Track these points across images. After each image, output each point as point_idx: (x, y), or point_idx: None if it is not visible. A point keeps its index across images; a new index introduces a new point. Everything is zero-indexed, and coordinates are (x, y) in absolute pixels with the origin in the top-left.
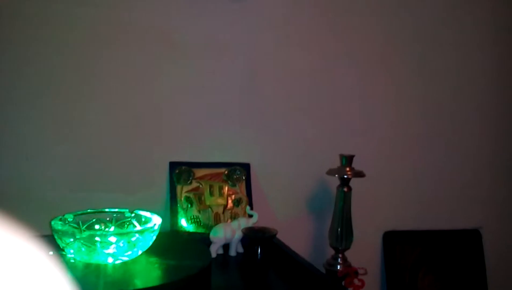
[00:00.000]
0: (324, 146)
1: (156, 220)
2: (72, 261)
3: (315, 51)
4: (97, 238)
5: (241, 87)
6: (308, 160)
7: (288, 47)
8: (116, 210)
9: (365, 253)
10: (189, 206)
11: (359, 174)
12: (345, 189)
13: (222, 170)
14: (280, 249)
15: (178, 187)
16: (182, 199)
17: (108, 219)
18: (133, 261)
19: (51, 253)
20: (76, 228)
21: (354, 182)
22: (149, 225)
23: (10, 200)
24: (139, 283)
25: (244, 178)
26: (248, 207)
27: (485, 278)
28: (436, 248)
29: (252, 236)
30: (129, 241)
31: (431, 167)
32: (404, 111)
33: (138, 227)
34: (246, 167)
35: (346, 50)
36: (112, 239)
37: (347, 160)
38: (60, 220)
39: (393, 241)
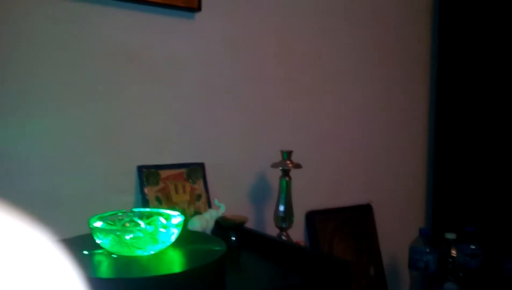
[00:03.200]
0: (263, 144)
1: (179, 216)
2: (113, 255)
3: (256, 58)
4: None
5: (195, 98)
6: (251, 156)
7: (233, 57)
8: (143, 210)
9: (295, 229)
10: (159, 204)
11: (298, 166)
12: (287, 179)
13: (183, 170)
14: (248, 232)
15: (148, 188)
16: (153, 198)
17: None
18: (162, 252)
19: (85, 252)
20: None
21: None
22: (176, 220)
23: None
24: (172, 269)
25: (201, 176)
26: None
27: (378, 240)
28: (344, 221)
29: (227, 224)
30: (159, 234)
31: (336, 160)
32: (326, 115)
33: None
34: (201, 166)
35: (284, 52)
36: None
37: (287, 154)
38: (101, 218)
39: (313, 219)
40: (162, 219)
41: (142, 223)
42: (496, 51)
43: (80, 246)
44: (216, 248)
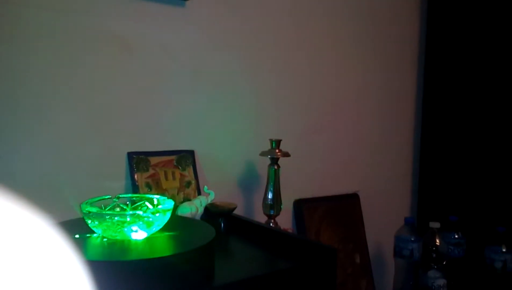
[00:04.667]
0: (253, 132)
1: (169, 201)
2: (104, 239)
3: (247, 46)
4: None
5: (185, 86)
6: (239, 145)
7: (223, 45)
8: (130, 195)
9: (283, 217)
10: (149, 190)
11: (286, 154)
12: (275, 167)
13: (173, 157)
14: (237, 219)
15: (138, 175)
16: (143, 185)
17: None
18: (153, 236)
19: (76, 236)
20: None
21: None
22: (166, 205)
23: None
24: (162, 253)
25: (191, 163)
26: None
27: (364, 228)
28: (331, 209)
29: (216, 210)
30: (151, 219)
31: (323, 150)
32: (313, 106)
33: (151, 207)
34: (191, 154)
35: (274, 41)
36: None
37: (276, 143)
38: (89, 204)
39: (301, 207)
40: (148, 204)
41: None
42: (482, 35)
43: (70, 230)
44: (206, 234)
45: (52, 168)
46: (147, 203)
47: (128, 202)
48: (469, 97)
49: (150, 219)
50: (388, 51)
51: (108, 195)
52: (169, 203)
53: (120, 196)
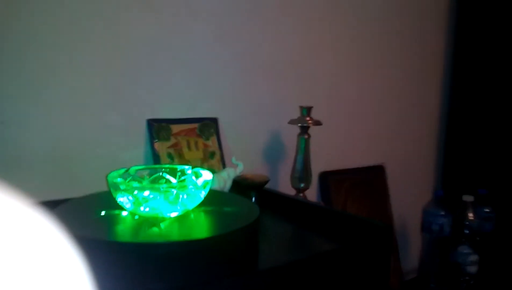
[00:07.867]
0: (278, 100)
1: (208, 173)
2: (135, 217)
3: (276, 11)
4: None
5: (210, 50)
6: (266, 113)
7: (249, 8)
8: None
9: (308, 190)
10: (171, 161)
11: (318, 123)
12: (306, 136)
13: (195, 125)
14: (269, 193)
15: (158, 144)
16: (165, 155)
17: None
18: (189, 213)
19: (103, 213)
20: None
21: None
22: (201, 178)
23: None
24: (201, 234)
25: (214, 132)
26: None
27: (389, 201)
28: (357, 182)
29: (247, 184)
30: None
31: (350, 121)
32: (341, 76)
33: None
34: (214, 121)
35: (299, 15)
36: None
37: (307, 110)
38: (122, 176)
39: (326, 179)
40: (170, 177)
41: (173, 180)
42: None
43: (93, 205)
44: (247, 210)
45: (66, 136)
46: (168, 177)
47: (145, 175)
48: (498, 63)
49: (190, 194)
50: (416, 22)
51: (123, 167)
52: (208, 175)
53: (137, 168)
